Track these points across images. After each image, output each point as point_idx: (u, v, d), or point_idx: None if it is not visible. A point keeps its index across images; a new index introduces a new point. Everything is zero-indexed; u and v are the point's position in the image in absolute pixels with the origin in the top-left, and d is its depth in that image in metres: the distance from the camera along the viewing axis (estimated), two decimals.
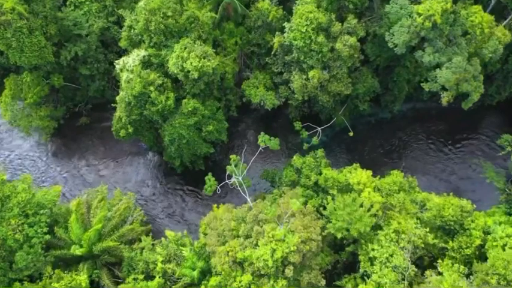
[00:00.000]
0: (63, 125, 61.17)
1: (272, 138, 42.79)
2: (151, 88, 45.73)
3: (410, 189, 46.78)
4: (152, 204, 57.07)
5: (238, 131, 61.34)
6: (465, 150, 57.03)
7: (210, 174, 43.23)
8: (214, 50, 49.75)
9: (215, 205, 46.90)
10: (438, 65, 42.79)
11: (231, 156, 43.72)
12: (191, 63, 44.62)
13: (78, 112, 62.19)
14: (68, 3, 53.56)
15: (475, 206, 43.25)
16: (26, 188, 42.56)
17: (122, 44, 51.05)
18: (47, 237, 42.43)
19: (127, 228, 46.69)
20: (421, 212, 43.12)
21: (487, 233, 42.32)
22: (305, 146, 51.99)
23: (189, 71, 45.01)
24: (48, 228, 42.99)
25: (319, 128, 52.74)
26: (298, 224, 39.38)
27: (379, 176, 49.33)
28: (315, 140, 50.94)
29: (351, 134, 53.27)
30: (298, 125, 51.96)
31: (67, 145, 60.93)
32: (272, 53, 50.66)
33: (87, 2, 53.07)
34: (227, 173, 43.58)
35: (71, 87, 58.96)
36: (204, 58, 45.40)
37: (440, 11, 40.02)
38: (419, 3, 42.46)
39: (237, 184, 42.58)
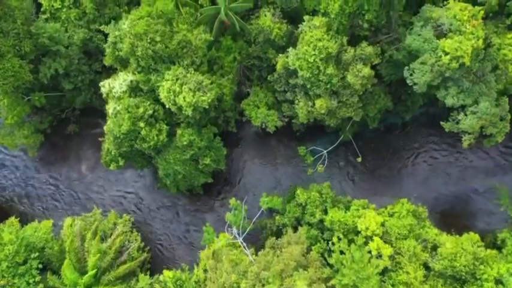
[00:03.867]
0: (51, 134, 56.95)
1: (275, 197, 39.34)
2: (141, 124, 41.36)
3: (420, 220, 44.60)
4: (149, 222, 54.78)
5: (238, 138, 57.39)
6: (480, 165, 53.48)
7: (208, 224, 40.51)
8: (210, 71, 44.77)
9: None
10: (462, 106, 38.12)
11: (230, 201, 40.75)
12: (184, 98, 39.83)
13: (65, 118, 57.62)
14: (42, 9, 46.99)
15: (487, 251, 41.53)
16: (13, 239, 40.06)
17: (107, 62, 45.64)
18: (40, 286, 40.80)
19: (124, 267, 44.85)
20: (432, 259, 41.04)
21: (499, 281, 40.59)
22: (309, 171, 48.63)
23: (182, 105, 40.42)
24: (40, 276, 41.23)
25: (324, 151, 49.00)
26: (302, 284, 37.41)
27: (386, 206, 47.08)
28: (320, 168, 47.39)
29: (359, 159, 49.51)
30: (302, 150, 48.26)
31: (56, 156, 57.29)
32: (275, 75, 45.34)
33: (64, 9, 46.46)
34: (227, 223, 40.71)
35: (56, 95, 53.97)
36: (199, 90, 40.48)
37: (470, 52, 34.53)
38: (445, 35, 36.65)
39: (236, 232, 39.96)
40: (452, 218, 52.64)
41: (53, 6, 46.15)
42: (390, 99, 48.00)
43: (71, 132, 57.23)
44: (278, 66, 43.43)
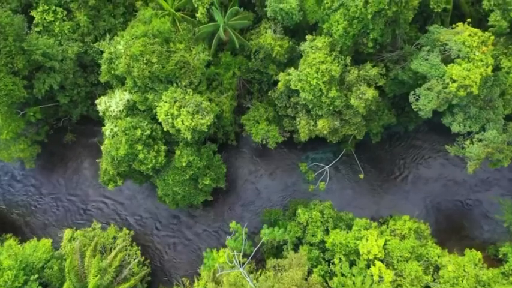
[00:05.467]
0: (47, 143, 55.80)
1: (276, 228, 38.66)
2: (139, 147, 40.32)
3: (422, 239, 44.27)
4: (150, 232, 54.43)
5: (237, 149, 56.34)
6: (484, 178, 52.64)
7: (208, 249, 39.96)
8: (209, 87, 43.49)
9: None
10: (469, 132, 37.09)
11: (231, 225, 40.10)
12: (182, 121, 38.71)
13: (62, 127, 56.49)
14: (35, 22, 45.17)
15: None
16: (12, 264, 39.66)
17: (102, 78, 44.27)
18: None
19: (125, 286, 44.65)
20: (434, 282, 40.81)
21: None
22: (311, 188, 47.91)
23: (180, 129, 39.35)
24: None
25: (326, 167, 48.10)
26: None
27: (388, 220, 46.79)
28: (322, 186, 46.61)
29: (362, 176, 48.66)
30: (303, 166, 47.29)
31: (53, 167, 56.40)
32: (276, 92, 44.02)
33: (57, 22, 44.70)
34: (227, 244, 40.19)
35: (52, 105, 52.69)
36: (198, 113, 39.30)
37: (478, 80, 33.28)
38: (453, 60, 35.26)
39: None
40: (452, 230, 52.40)
41: (45, 19, 44.36)
42: (394, 114, 46.84)
43: (68, 142, 56.25)
44: (279, 85, 42.10)
